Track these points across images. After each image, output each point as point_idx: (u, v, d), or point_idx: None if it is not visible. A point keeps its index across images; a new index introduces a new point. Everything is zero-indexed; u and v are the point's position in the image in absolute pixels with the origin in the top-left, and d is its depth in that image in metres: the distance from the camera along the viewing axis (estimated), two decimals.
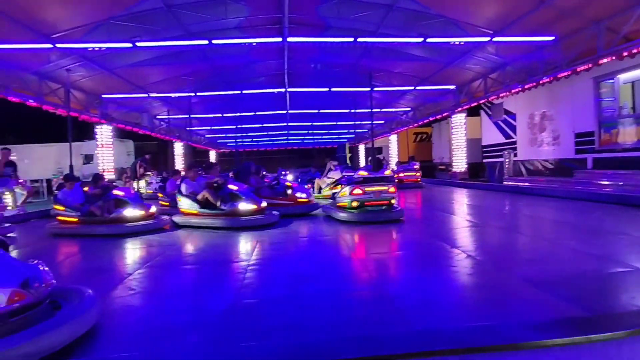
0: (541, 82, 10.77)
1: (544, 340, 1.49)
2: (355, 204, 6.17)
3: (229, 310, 2.58)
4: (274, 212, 6.39)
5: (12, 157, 9.16)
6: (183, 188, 6.63)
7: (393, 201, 6.20)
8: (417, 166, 14.16)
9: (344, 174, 9.71)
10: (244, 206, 6.14)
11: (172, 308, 2.74)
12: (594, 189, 8.71)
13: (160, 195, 8.99)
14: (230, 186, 6.42)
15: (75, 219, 6.20)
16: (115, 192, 6.46)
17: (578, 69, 9.48)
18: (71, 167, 8.02)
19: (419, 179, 13.62)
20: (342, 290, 3.02)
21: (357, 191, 6.24)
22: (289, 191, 7.56)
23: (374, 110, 20.33)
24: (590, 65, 9.09)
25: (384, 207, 6.14)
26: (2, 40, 8.18)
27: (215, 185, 6.42)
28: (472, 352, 1.46)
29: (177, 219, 6.54)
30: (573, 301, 2.45)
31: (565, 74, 9.86)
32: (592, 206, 7.04)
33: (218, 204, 6.21)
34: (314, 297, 2.82)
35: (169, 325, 2.39)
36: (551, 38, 9.14)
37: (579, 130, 11.16)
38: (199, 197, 6.31)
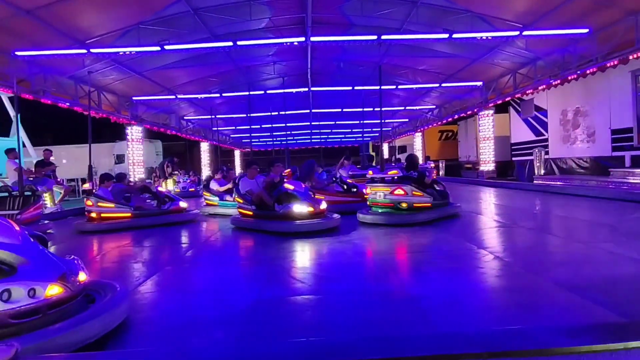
0: (575, 76, 10.32)
1: (577, 346, 1.43)
2: (368, 202, 6.12)
3: (252, 308, 2.62)
4: (334, 216, 5.58)
5: (51, 159, 9.66)
6: (240, 186, 6.25)
7: (404, 205, 5.72)
8: (432, 165, 15.09)
9: (349, 172, 9.61)
10: (299, 208, 5.39)
11: (198, 304, 2.82)
12: (634, 188, 8.26)
13: (206, 194, 8.78)
14: (286, 185, 5.76)
15: (129, 214, 6.69)
16: (160, 189, 7.98)
17: (615, 63, 9.01)
18: (90, 167, 8.27)
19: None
20: (365, 290, 3.01)
21: (368, 190, 6.11)
22: (354, 189, 7.58)
23: (397, 108, 20.18)
24: (628, 58, 8.62)
25: (402, 208, 5.75)
26: (42, 46, 8.64)
27: (273, 184, 5.88)
28: (499, 356, 1.42)
29: (233, 220, 6.20)
30: (609, 306, 2.34)
31: (601, 67, 9.40)
32: (631, 207, 6.68)
33: (272, 205, 5.58)
34: (337, 296, 2.83)
35: (195, 320, 2.45)
36: (585, 30, 8.74)
37: (615, 126, 10.61)
38: (253, 196, 5.87)
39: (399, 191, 5.80)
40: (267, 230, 5.46)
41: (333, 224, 5.37)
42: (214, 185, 8.60)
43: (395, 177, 6.05)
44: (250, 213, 5.89)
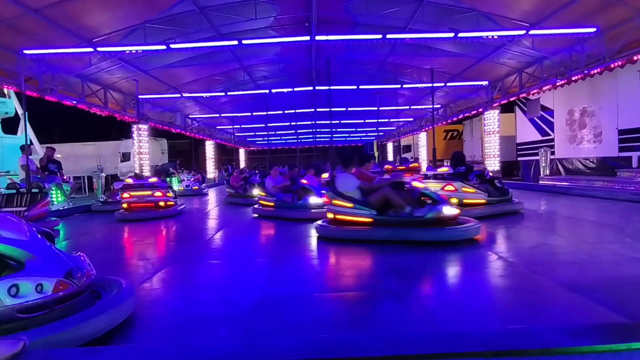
0: (582, 76, 10.22)
1: (580, 346, 1.43)
2: None
3: (258, 304, 2.64)
4: (472, 221, 4.56)
5: (57, 156, 9.73)
6: (338, 184, 4.93)
7: (454, 200, 5.85)
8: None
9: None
10: (449, 210, 4.38)
11: (205, 300, 2.84)
12: None
13: (261, 193, 7.95)
14: (415, 184, 4.73)
15: (173, 203, 8.27)
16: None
17: (623, 62, 8.92)
18: (143, 166, 9.67)
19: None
20: (370, 288, 3.01)
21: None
22: None
23: (402, 107, 20.12)
24: (636, 57, 8.54)
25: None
26: (50, 45, 8.72)
27: (399, 183, 4.70)
28: (503, 355, 1.42)
29: (323, 229, 4.88)
30: (613, 307, 2.33)
31: (609, 67, 9.30)
32: (638, 208, 6.61)
33: (407, 209, 4.44)
34: (343, 294, 2.83)
35: (200, 317, 2.47)
36: (593, 30, 8.64)
37: (622, 126, 10.51)
38: (373, 198, 4.63)
39: (449, 187, 5.96)
40: (408, 240, 4.35)
41: (471, 233, 4.37)
42: (269, 183, 7.81)
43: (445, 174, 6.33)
44: (370, 220, 4.62)
